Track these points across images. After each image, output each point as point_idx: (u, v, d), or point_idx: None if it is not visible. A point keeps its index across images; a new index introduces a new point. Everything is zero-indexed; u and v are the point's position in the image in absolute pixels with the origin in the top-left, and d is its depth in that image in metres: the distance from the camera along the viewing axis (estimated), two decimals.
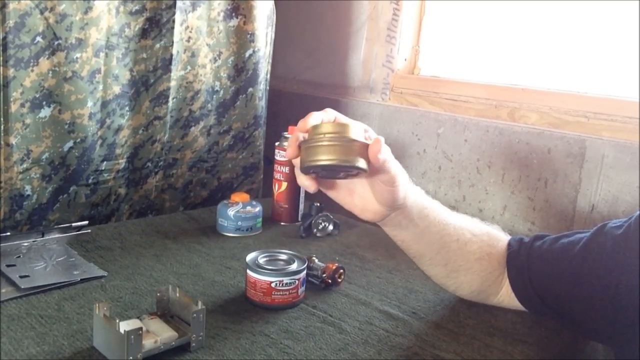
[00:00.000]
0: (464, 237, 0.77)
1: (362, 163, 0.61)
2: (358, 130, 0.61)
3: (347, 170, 0.62)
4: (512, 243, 0.80)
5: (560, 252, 0.75)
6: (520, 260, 0.78)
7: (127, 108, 1.16)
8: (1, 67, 0.95)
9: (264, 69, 1.37)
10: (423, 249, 0.77)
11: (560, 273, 0.73)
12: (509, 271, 0.79)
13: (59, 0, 0.98)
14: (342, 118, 0.66)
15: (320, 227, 1.12)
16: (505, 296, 0.80)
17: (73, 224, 1.03)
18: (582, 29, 1.13)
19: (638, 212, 0.69)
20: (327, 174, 0.64)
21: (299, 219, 1.18)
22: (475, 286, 0.79)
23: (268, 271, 0.80)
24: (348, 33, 1.48)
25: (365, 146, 0.61)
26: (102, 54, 1.07)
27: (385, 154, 0.62)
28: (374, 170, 0.65)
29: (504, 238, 0.81)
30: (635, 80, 1.04)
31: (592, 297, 0.70)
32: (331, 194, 0.70)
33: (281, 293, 0.79)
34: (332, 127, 0.60)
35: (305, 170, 0.62)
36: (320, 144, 0.60)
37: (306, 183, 0.64)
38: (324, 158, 0.59)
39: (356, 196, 0.70)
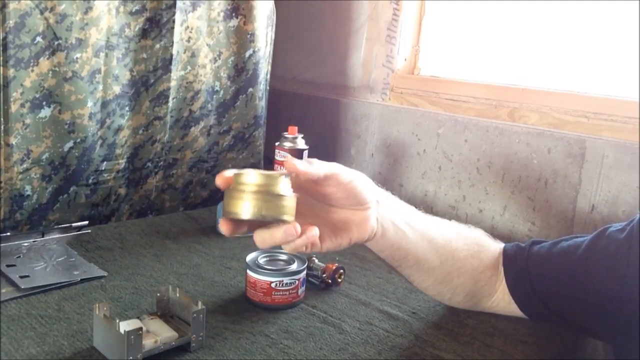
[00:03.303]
0: (447, 234, 0.77)
1: (285, 215, 0.57)
2: (284, 184, 0.58)
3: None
4: (508, 249, 0.80)
5: (561, 255, 0.74)
6: (519, 265, 0.77)
7: (127, 108, 1.16)
8: (1, 67, 0.95)
9: (264, 69, 1.37)
10: (418, 252, 0.74)
11: (563, 276, 0.73)
12: (506, 277, 0.78)
13: (59, 0, 0.98)
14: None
15: None
16: (500, 301, 0.80)
17: (73, 224, 1.03)
18: (582, 29, 1.13)
19: (639, 215, 0.69)
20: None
21: None
22: (470, 287, 0.79)
23: (268, 271, 0.80)
24: (348, 33, 1.48)
25: (291, 198, 0.58)
26: (102, 54, 1.07)
27: (303, 167, 0.58)
28: (322, 191, 0.62)
29: (488, 239, 0.81)
30: (635, 80, 1.04)
31: (596, 300, 0.70)
32: (326, 246, 0.64)
33: (281, 293, 0.79)
34: (257, 178, 0.56)
35: (226, 216, 0.58)
36: (242, 196, 0.56)
37: (223, 227, 0.59)
38: (244, 212, 0.55)
39: (343, 226, 0.66)
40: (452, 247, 0.76)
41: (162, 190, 1.28)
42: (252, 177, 0.56)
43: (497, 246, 0.81)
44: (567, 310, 0.75)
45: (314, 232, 0.59)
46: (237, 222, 0.58)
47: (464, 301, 0.81)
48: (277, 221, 0.57)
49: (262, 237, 0.59)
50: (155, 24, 1.14)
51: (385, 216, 0.69)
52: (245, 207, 0.56)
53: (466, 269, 0.77)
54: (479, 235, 0.81)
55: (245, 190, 0.56)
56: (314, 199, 0.65)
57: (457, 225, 0.80)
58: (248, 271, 0.81)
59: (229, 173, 0.58)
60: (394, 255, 0.73)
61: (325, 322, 0.78)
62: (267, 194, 0.56)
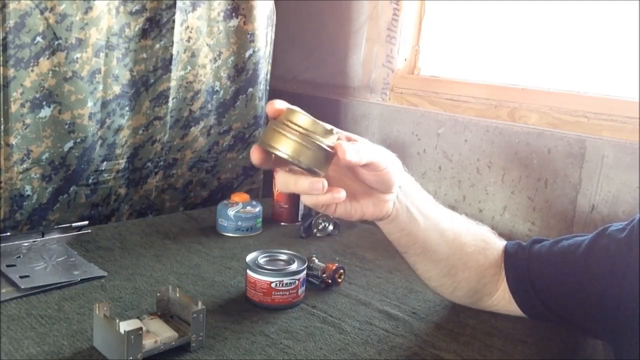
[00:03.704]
0: (457, 227, 0.77)
1: (319, 168, 0.56)
2: (330, 139, 0.57)
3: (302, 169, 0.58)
4: (509, 247, 0.80)
5: (562, 254, 0.74)
6: (520, 265, 0.77)
7: (127, 108, 1.16)
8: (1, 67, 0.95)
9: (264, 69, 1.37)
10: (427, 241, 0.74)
11: (563, 276, 0.73)
12: (507, 275, 0.78)
13: (59, 0, 0.98)
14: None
15: (320, 227, 1.12)
16: (501, 299, 0.80)
17: (73, 224, 1.03)
18: (582, 29, 1.13)
19: (639, 215, 0.69)
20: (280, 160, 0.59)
21: (299, 219, 1.19)
22: (473, 283, 0.79)
23: (268, 271, 0.80)
24: (348, 33, 1.48)
25: (331, 154, 0.57)
26: (102, 54, 1.07)
27: (352, 156, 0.57)
28: (356, 168, 0.62)
29: (494, 237, 0.81)
30: (635, 80, 1.04)
31: (596, 300, 0.70)
32: (340, 210, 0.65)
33: (281, 293, 0.79)
34: (307, 123, 0.56)
35: (263, 146, 0.57)
36: (286, 134, 0.55)
37: (255, 155, 0.58)
38: (283, 150, 0.55)
39: (361, 198, 0.66)
40: (461, 242, 0.76)
41: (162, 190, 1.28)
42: (302, 120, 0.55)
43: (502, 244, 0.81)
44: (567, 309, 0.75)
45: (341, 194, 0.59)
46: (268, 155, 0.57)
47: (465, 297, 0.81)
48: (309, 170, 0.56)
49: (285, 181, 0.58)
50: (155, 24, 1.14)
51: (403, 202, 0.69)
52: (285, 145, 0.55)
53: (472, 264, 0.77)
54: (485, 232, 0.81)
55: (293, 129, 0.55)
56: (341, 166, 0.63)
57: (467, 220, 0.80)
58: (248, 271, 0.81)
59: (282, 105, 0.57)
60: (403, 240, 0.73)
61: (325, 322, 0.78)
62: (310, 142, 0.55)
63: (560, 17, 1.16)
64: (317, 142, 0.55)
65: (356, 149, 0.57)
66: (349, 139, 0.62)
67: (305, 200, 0.60)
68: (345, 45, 1.49)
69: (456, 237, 0.76)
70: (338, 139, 0.58)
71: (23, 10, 0.95)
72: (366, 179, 0.64)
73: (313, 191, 0.57)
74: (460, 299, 0.82)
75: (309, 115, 0.57)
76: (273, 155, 0.57)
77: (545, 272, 0.75)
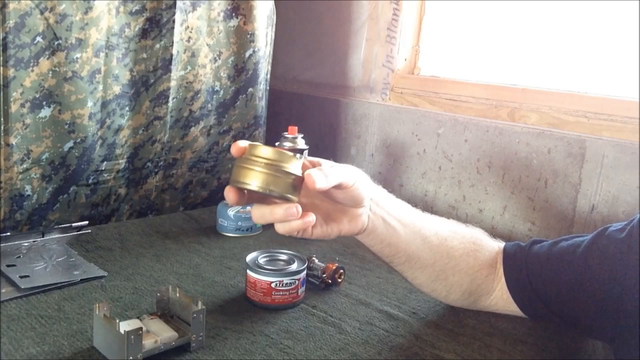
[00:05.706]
0: (442, 232, 0.77)
1: (290, 194, 0.58)
2: (295, 164, 0.59)
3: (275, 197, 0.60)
4: (508, 248, 0.80)
5: (561, 255, 0.74)
6: (518, 265, 0.77)
7: (127, 108, 1.16)
8: (1, 67, 0.95)
9: (264, 69, 1.37)
10: (409, 249, 0.74)
11: (562, 277, 0.73)
12: (506, 276, 0.78)
13: (59, 0, 0.98)
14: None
15: None
16: (499, 299, 0.80)
17: (73, 224, 1.03)
18: (582, 29, 1.13)
19: (639, 215, 0.69)
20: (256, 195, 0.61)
21: None
22: (466, 286, 0.79)
23: (268, 271, 0.80)
24: (348, 33, 1.48)
25: (299, 179, 0.59)
26: (102, 54, 1.07)
27: (322, 183, 0.58)
28: (324, 192, 0.62)
29: (486, 238, 0.81)
30: (635, 80, 1.04)
31: (595, 300, 0.70)
32: (316, 232, 0.66)
33: (281, 293, 0.79)
34: (271, 154, 0.58)
35: (233, 184, 0.59)
36: (253, 168, 0.57)
37: (229, 195, 0.60)
38: (253, 183, 0.57)
39: (335, 216, 0.67)
40: (447, 246, 0.76)
41: (162, 190, 1.28)
42: (266, 151, 0.57)
43: (496, 245, 0.81)
44: (568, 310, 0.75)
45: (311, 218, 0.61)
46: (241, 192, 0.59)
47: (460, 299, 0.81)
48: (281, 198, 0.58)
49: (260, 213, 0.60)
50: (155, 24, 1.14)
51: (377, 213, 0.70)
52: (254, 179, 0.57)
53: (461, 267, 0.77)
54: (476, 234, 0.81)
55: (258, 162, 0.57)
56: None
57: (455, 224, 0.80)
58: (248, 271, 0.81)
59: (244, 143, 0.59)
60: (384, 251, 0.74)
61: (325, 322, 0.78)
62: (278, 170, 0.57)
63: (560, 17, 1.16)
64: (284, 170, 0.57)
65: (324, 175, 0.59)
66: (313, 163, 0.64)
67: (279, 229, 0.61)
68: (345, 45, 1.49)
69: (441, 242, 0.76)
70: (303, 164, 0.60)
71: (23, 10, 0.95)
72: (337, 198, 0.66)
73: (288, 217, 0.59)
74: (456, 302, 0.82)
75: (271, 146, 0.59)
76: (245, 191, 0.59)
77: (544, 273, 0.75)
